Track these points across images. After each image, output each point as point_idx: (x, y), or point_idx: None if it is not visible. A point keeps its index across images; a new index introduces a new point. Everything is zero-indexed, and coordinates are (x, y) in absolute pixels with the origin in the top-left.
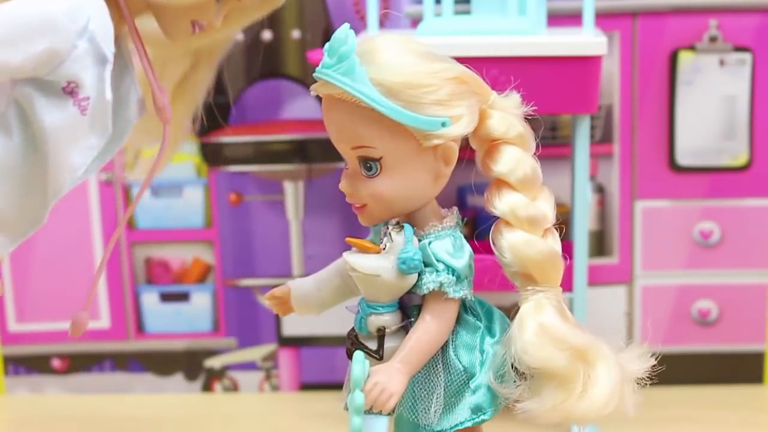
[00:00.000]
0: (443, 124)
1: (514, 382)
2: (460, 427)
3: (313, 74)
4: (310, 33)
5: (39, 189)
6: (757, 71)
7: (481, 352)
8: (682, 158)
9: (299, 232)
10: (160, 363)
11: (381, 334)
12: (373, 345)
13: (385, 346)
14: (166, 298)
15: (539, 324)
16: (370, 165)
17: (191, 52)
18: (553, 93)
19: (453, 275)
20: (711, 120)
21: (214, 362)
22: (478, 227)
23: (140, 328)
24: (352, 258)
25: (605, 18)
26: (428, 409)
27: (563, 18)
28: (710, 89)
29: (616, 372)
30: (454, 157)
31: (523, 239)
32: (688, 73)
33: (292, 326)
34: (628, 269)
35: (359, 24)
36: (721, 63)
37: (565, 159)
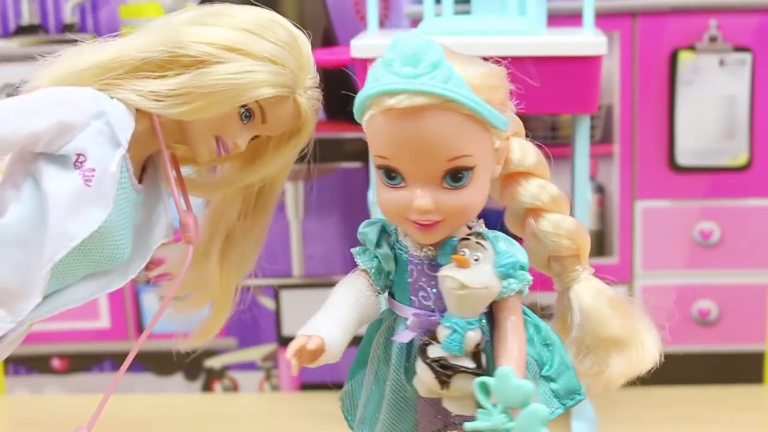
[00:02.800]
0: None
1: (586, 358)
2: (554, 416)
3: (387, 87)
4: (310, 33)
5: (40, 258)
6: (757, 71)
7: (545, 342)
8: (682, 158)
9: (299, 232)
10: (160, 363)
11: (478, 350)
12: (469, 363)
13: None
14: None
15: (607, 297)
16: (461, 175)
17: (240, 196)
18: (553, 93)
19: (524, 270)
20: (711, 120)
21: (214, 362)
22: None
23: (140, 328)
24: (461, 275)
25: (605, 18)
26: None
27: (563, 18)
28: (710, 89)
29: (650, 324)
30: (504, 157)
31: (562, 218)
32: (688, 73)
33: (292, 326)
34: (628, 269)
35: (359, 24)
36: (721, 63)
37: (565, 159)
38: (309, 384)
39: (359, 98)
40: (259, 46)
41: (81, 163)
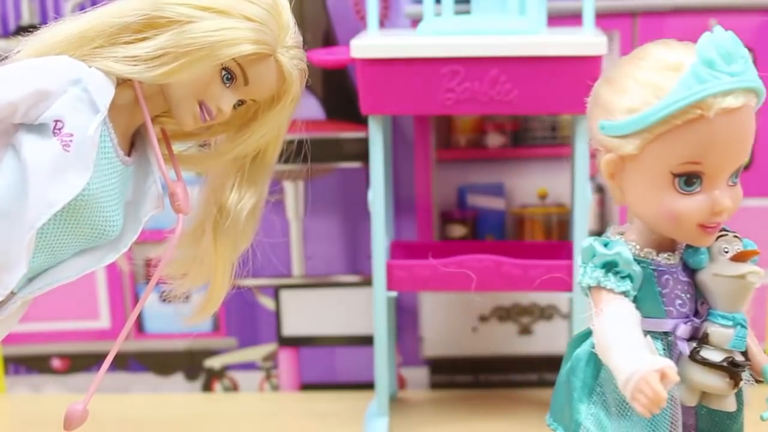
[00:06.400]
0: None
1: None
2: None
3: (724, 87)
4: (310, 33)
5: (23, 229)
6: (757, 71)
7: None
8: None
9: (299, 232)
10: (160, 363)
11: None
12: (741, 357)
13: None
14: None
15: None
16: (738, 172)
17: (233, 168)
18: (553, 93)
19: None
20: None
21: (214, 362)
22: (478, 227)
23: (140, 328)
24: (757, 269)
25: (605, 18)
26: None
27: (563, 18)
28: None
29: None
30: None
31: None
32: None
33: (291, 326)
34: None
35: (359, 24)
36: None
37: (565, 159)
38: (309, 384)
39: (678, 104)
40: (237, 5)
41: (59, 129)
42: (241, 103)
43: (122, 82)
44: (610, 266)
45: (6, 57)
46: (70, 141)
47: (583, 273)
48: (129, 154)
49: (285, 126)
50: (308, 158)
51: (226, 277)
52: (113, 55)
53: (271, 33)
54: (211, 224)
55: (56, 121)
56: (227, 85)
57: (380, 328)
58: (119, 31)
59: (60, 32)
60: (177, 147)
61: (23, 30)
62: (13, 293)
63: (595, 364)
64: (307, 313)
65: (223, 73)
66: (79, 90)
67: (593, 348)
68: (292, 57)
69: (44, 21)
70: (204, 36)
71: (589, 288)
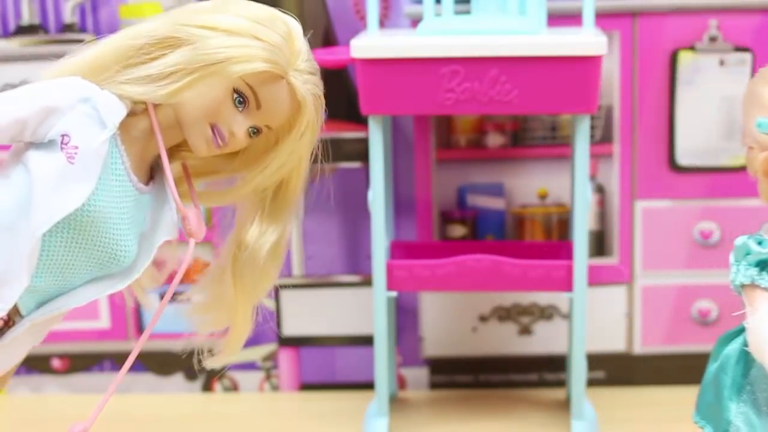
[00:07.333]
0: None
1: None
2: None
3: None
4: (310, 33)
5: (26, 243)
6: (757, 71)
7: None
8: (682, 158)
9: (299, 232)
10: (160, 363)
11: None
12: None
13: None
14: None
15: None
16: None
17: (252, 202)
18: (553, 93)
19: None
20: (711, 120)
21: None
22: (478, 227)
23: (140, 328)
24: None
25: (605, 18)
26: None
27: (563, 18)
28: (710, 89)
29: None
30: None
31: None
32: (688, 73)
33: (292, 326)
34: (628, 269)
35: (359, 24)
36: (721, 63)
37: (565, 159)
38: (309, 384)
39: None
40: (249, 27)
41: (66, 143)
42: (257, 131)
43: (139, 112)
44: (764, 264)
45: (24, 82)
46: (75, 153)
47: (736, 271)
48: (147, 184)
49: (305, 156)
50: (321, 159)
51: (246, 321)
52: (126, 77)
53: (283, 55)
54: (231, 263)
55: (63, 135)
56: (239, 108)
57: (380, 328)
58: (134, 54)
59: (79, 59)
60: (198, 186)
61: (23, 30)
62: (21, 316)
63: (746, 362)
64: (307, 313)
65: (235, 96)
66: (88, 107)
67: (745, 346)
68: (306, 81)
69: (44, 21)
70: (214, 52)
71: (742, 286)
